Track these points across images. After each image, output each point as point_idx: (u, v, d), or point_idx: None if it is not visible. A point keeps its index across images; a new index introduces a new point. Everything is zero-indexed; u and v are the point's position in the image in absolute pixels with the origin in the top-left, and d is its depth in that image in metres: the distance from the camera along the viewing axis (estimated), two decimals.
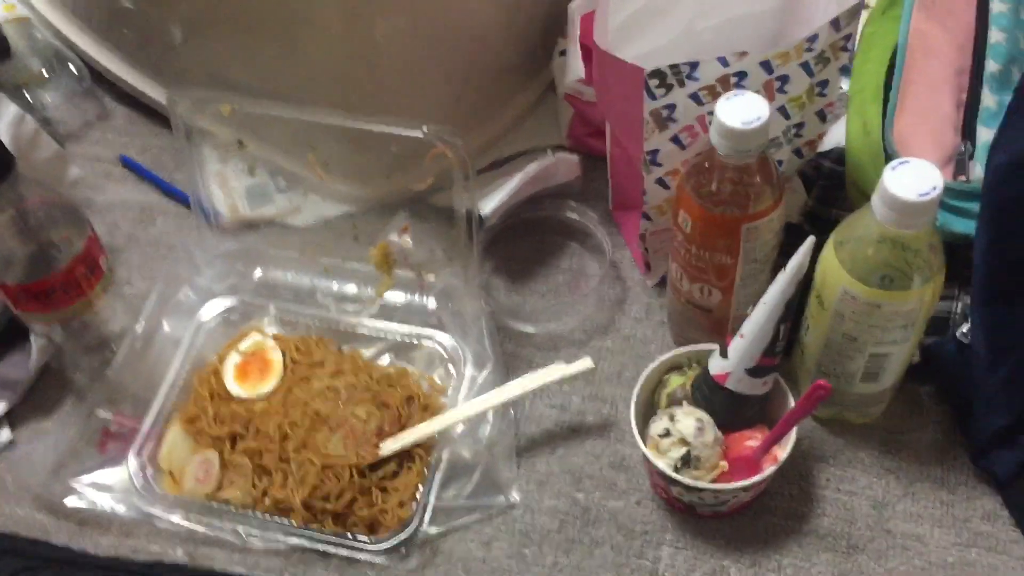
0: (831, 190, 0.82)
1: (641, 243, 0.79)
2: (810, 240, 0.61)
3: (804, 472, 0.71)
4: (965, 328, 0.71)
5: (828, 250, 0.64)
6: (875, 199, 0.59)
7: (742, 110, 0.61)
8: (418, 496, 0.69)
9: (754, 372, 0.65)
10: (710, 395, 0.67)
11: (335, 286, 0.79)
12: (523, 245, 0.86)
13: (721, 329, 0.74)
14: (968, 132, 0.73)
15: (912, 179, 0.57)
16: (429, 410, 0.74)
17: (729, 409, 0.67)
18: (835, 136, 0.83)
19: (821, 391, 0.60)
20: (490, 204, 0.79)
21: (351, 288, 0.79)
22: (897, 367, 0.68)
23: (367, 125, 0.68)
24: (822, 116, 0.74)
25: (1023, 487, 0.68)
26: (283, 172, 0.87)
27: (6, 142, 0.76)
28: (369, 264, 0.78)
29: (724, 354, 0.66)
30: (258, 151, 0.85)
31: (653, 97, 0.64)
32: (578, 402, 0.76)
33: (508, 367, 0.78)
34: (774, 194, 0.65)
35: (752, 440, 0.67)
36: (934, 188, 0.57)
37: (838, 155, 0.83)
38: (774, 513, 0.70)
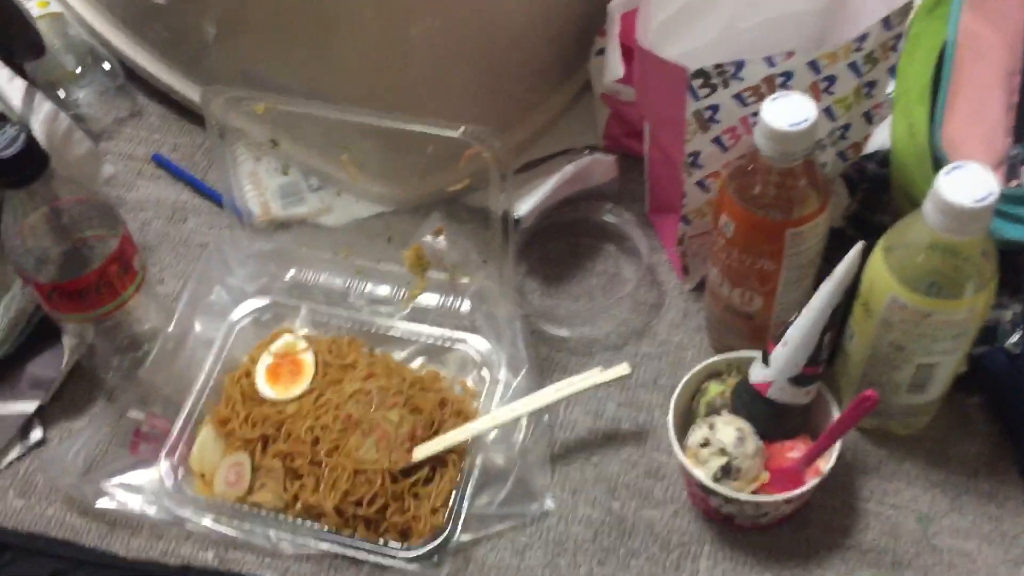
0: (876, 194, 0.80)
1: (679, 247, 0.77)
2: (859, 246, 0.59)
3: (847, 484, 0.69)
4: (1016, 338, 0.69)
5: (876, 256, 0.62)
6: (927, 204, 0.57)
7: (789, 111, 0.59)
8: (451, 503, 0.68)
9: (797, 381, 0.63)
10: (751, 404, 0.66)
11: (368, 287, 0.78)
12: (558, 247, 0.84)
13: (761, 335, 0.72)
14: (1020, 135, 0.71)
15: (966, 184, 0.55)
16: (462, 415, 0.72)
17: (770, 419, 0.65)
18: (880, 138, 0.81)
19: (868, 402, 0.58)
20: (525, 206, 0.77)
21: (384, 290, 0.78)
22: (945, 377, 0.66)
23: (403, 124, 0.67)
24: (868, 118, 0.72)
25: None
26: (316, 171, 0.86)
27: (40, 139, 0.76)
28: (402, 266, 0.77)
29: (766, 362, 0.64)
30: (291, 150, 0.84)
31: (696, 97, 0.63)
32: (613, 409, 0.75)
33: (542, 371, 0.77)
34: (819, 198, 0.64)
35: (794, 451, 0.66)
36: (990, 194, 0.55)
37: (883, 158, 0.81)
38: (815, 526, 0.68)
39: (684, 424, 0.69)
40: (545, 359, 0.77)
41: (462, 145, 0.67)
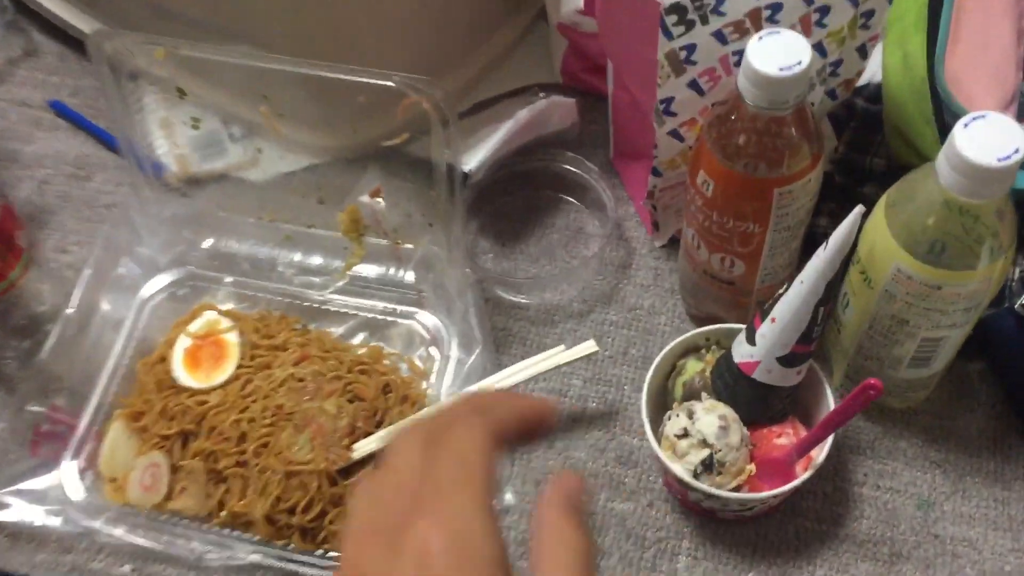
0: (865, 133, 0.72)
1: (649, 200, 0.68)
2: (858, 210, 0.51)
3: (839, 467, 0.63)
4: None
5: (877, 216, 0.54)
6: (941, 161, 0.48)
7: (779, 53, 0.50)
8: None
9: (787, 361, 0.56)
10: (734, 386, 0.58)
11: (298, 256, 0.69)
12: (513, 202, 0.75)
13: (744, 303, 0.64)
14: None
15: (989, 139, 0.47)
16: (409, 401, 0.64)
17: (755, 402, 0.58)
18: (870, 70, 0.72)
19: (871, 391, 0.51)
20: (475, 158, 0.68)
21: (317, 258, 0.69)
22: (951, 351, 0.58)
23: (326, 72, 0.57)
24: (863, 52, 0.62)
25: None
26: (237, 118, 0.75)
27: None
28: (337, 231, 0.67)
29: (751, 340, 0.56)
30: (206, 95, 0.74)
31: (670, 36, 0.53)
32: (579, 386, 0.67)
33: (499, 345, 0.68)
34: (812, 150, 0.55)
35: (783, 437, 0.58)
36: (1016, 151, 0.46)
37: (873, 92, 0.72)
38: (806, 516, 0.61)
39: (659, 407, 0.61)
40: (502, 331, 0.69)
41: (398, 94, 0.57)
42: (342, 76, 0.56)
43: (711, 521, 0.61)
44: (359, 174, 0.66)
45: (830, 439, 0.56)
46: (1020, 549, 0.59)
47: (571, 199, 0.75)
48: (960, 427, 0.64)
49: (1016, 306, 0.62)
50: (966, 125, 0.47)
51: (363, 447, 0.61)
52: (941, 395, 0.65)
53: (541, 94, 0.71)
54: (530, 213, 0.75)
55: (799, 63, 0.50)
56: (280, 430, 0.61)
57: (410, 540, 0.30)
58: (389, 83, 0.56)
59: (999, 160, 0.46)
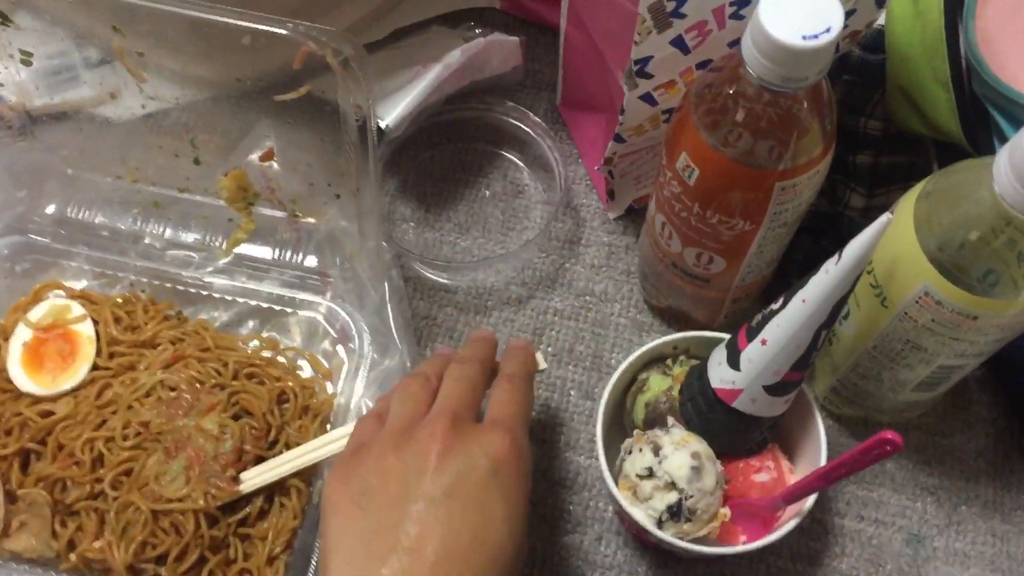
0: (861, 90, 0.60)
1: (605, 167, 0.56)
2: (884, 219, 0.40)
3: (819, 494, 0.53)
4: None
5: (903, 223, 0.43)
6: (1001, 165, 0.38)
7: (801, 15, 0.38)
8: (296, 544, 0.49)
9: (776, 390, 0.46)
10: (708, 413, 0.48)
11: (170, 228, 0.55)
12: (438, 158, 0.62)
13: (716, 305, 0.54)
14: None
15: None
16: (311, 413, 0.52)
17: (734, 433, 0.48)
18: None
19: (888, 447, 0.41)
20: (394, 111, 0.55)
21: (194, 231, 0.55)
22: (963, 376, 0.49)
23: (200, 12, 0.42)
24: (880, 1, 0.51)
25: None
26: (91, 38, 0.60)
27: None
28: (219, 198, 0.54)
29: (735, 363, 0.46)
30: (48, 9, 0.58)
31: None
32: None
33: (420, 337, 0.57)
34: (825, 136, 0.44)
35: (762, 472, 0.49)
36: (827, 28, 0.37)
37: (872, 39, 0.61)
38: (779, 553, 0.52)
39: (612, 422, 0.51)
40: (424, 319, 0.57)
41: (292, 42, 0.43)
42: (219, 18, 0.42)
43: (669, 560, 0.52)
44: (246, 129, 0.52)
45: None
46: None
47: (509, 155, 0.63)
48: (956, 446, 0.55)
49: None
50: None
51: (253, 477, 0.49)
52: (936, 408, 0.56)
53: (478, 30, 0.57)
54: (459, 172, 0.62)
55: (827, 30, 0.38)
56: (146, 454, 0.49)
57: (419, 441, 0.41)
58: (281, 30, 0.42)
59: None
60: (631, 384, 0.52)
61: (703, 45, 0.46)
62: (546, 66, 0.64)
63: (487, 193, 0.61)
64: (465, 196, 0.61)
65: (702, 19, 0.44)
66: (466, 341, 0.51)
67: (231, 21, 0.43)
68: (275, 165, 0.52)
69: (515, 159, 0.62)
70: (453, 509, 0.38)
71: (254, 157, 0.52)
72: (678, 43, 0.45)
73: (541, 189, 0.61)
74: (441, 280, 0.58)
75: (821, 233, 0.58)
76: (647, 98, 0.49)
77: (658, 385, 0.50)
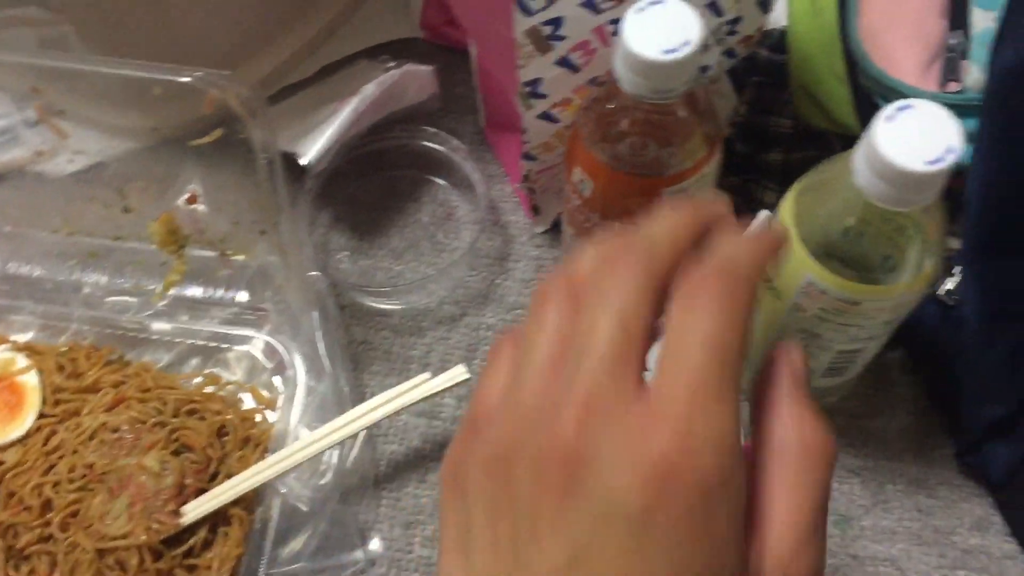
0: (770, 91, 0.63)
1: (525, 183, 0.59)
2: (764, 216, 0.42)
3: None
4: (951, 285, 0.54)
5: (784, 220, 0.45)
6: (859, 161, 0.40)
7: (661, 29, 0.40)
8: (241, 570, 0.51)
9: None
10: None
11: (106, 276, 0.57)
12: (370, 187, 0.65)
13: None
14: (959, 18, 0.54)
15: (916, 135, 0.38)
16: (251, 443, 0.54)
17: None
18: (774, 14, 0.63)
19: None
20: (314, 146, 0.57)
21: (130, 277, 0.58)
22: (869, 357, 0.51)
23: (102, 67, 0.45)
24: (764, 5, 0.53)
25: (1021, 488, 0.54)
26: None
27: None
28: (151, 243, 0.56)
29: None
30: None
31: (529, 11, 0.43)
32: (452, 406, 0.58)
33: (358, 361, 0.59)
34: (708, 140, 0.46)
35: None
36: (949, 151, 0.38)
37: (779, 40, 0.63)
38: None
39: None
40: (362, 343, 0.59)
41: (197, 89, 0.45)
42: (120, 71, 0.44)
43: None
44: (172, 175, 0.54)
45: None
46: (946, 566, 0.53)
47: (438, 179, 0.65)
48: (879, 428, 0.57)
49: (940, 293, 0.55)
50: (889, 119, 0.39)
51: (194, 509, 0.51)
52: (858, 391, 0.58)
53: (391, 63, 0.60)
54: (390, 199, 0.64)
55: (686, 43, 0.40)
56: (92, 495, 0.51)
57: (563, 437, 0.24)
58: (185, 79, 0.44)
59: (928, 164, 0.38)
60: None
61: (592, 63, 0.48)
62: (471, 90, 0.67)
63: (418, 218, 0.64)
64: (397, 222, 0.63)
65: (584, 39, 0.46)
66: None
67: (137, 74, 0.45)
68: (201, 207, 0.54)
69: (443, 182, 0.64)
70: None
71: (181, 201, 0.54)
72: (564, 63, 0.47)
73: (470, 210, 0.64)
74: (377, 305, 0.60)
75: None
76: (546, 116, 0.51)
77: None
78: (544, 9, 0.43)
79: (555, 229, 0.63)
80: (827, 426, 0.27)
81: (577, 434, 0.25)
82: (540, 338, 0.27)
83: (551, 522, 0.25)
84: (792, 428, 0.27)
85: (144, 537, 0.49)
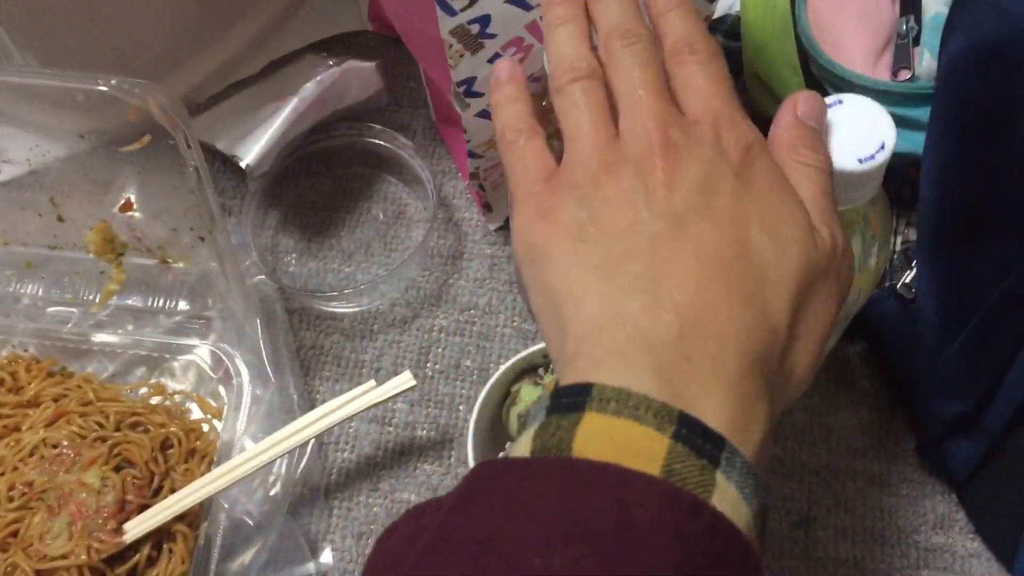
0: None
1: (474, 181, 0.57)
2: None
3: None
4: (909, 278, 0.53)
5: None
6: None
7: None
8: None
9: None
10: None
11: (43, 287, 0.56)
12: (319, 188, 0.63)
13: None
14: (909, 3, 0.52)
15: (848, 132, 0.37)
16: (197, 455, 0.53)
17: None
18: (726, 1, 0.61)
19: None
20: (254, 149, 0.55)
21: (69, 287, 0.56)
22: (826, 353, 0.50)
23: (8, 75, 0.43)
24: None
25: (984, 484, 0.52)
26: None
27: None
28: (88, 252, 0.55)
29: None
30: None
31: (452, 11, 0.41)
32: (404, 411, 0.57)
33: (308, 367, 0.58)
34: None
35: None
36: (881, 146, 0.36)
37: (732, 27, 0.61)
38: None
39: (491, 441, 0.51)
40: (311, 349, 0.58)
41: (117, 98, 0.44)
42: (36, 81, 0.43)
43: None
44: (106, 182, 0.53)
45: None
46: (909, 567, 0.52)
47: (388, 177, 0.63)
48: (841, 424, 0.56)
49: (898, 286, 0.53)
50: None
51: (137, 526, 0.50)
52: (818, 385, 0.56)
53: (331, 61, 0.58)
54: (339, 199, 0.63)
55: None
56: (32, 513, 0.50)
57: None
58: (102, 87, 0.42)
59: (861, 161, 0.36)
60: (506, 397, 0.52)
61: (528, 59, 0.46)
62: (422, 83, 0.65)
63: (368, 217, 0.62)
64: (347, 222, 0.62)
65: (516, 36, 0.45)
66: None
67: (53, 83, 0.44)
68: (138, 214, 0.53)
69: (393, 180, 0.63)
70: (703, 227, 0.30)
71: (116, 209, 0.53)
72: None
73: (421, 208, 0.62)
74: (327, 309, 0.59)
75: None
76: (485, 115, 0.49)
77: (529, 396, 0.51)
78: (467, 8, 0.41)
79: (509, 226, 0.61)
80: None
81: (664, 138, 0.31)
82: (580, 98, 0.34)
83: (666, 186, 0.31)
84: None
85: (85, 557, 0.48)
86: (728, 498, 0.26)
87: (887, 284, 0.54)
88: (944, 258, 0.49)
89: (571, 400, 0.27)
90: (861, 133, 0.36)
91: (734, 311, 0.29)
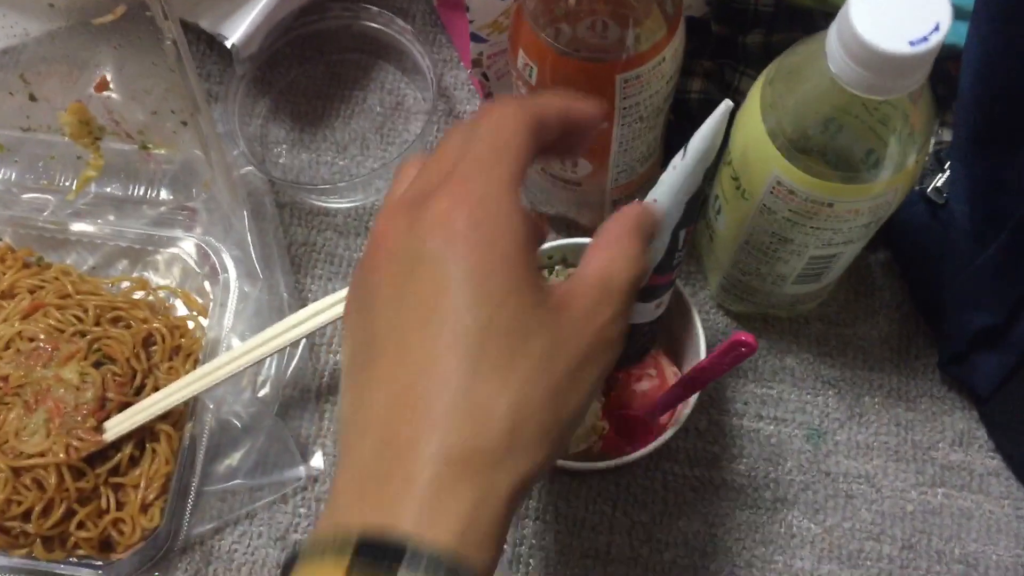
0: None
1: (476, 69, 0.53)
2: (724, 107, 0.37)
3: (715, 395, 0.52)
4: (941, 181, 0.49)
5: (751, 109, 0.40)
6: (832, 43, 0.34)
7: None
8: (170, 490, 0.48)
9: (643, 295, 0.43)
10: None
11: (15, 170, 0.53)
12: (312, 75, 0.59)
13: (596, 206, 0.51)
14: None
15: (897, 10, 0.33)
16: (182, 353, 0.51)
17: None
18: None
19: (743, 349, 0.39)
20: (241, 27, 0.51)
21: (45, 172, 0.53)
22: (846, 263, 0.47)
23: None
24: None
25: (1008, 400, 0.50)
26: None
27: None
28: (63, 134, 0.51)
29: None
30: None
31: None
32: None
33: (300, 264, 0.55)
34: (668, 19, 0.40)
35: (643, 381, 0.47)
36: (936, 28, 0.33)
37: None
38: (675, 459, 0.51)
39: None
40: (303, 245, 0.55)
41: None
42: None
43: (562, 475, 0.50)
44: (82, 60, 0.49)
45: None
46: (924, 483, 0.50)
47: (386, 64, 0.59)
48: (859, 335, 0.53)
49: (929, 190, 0.50)
50: None
51: (117, 425, 0.48)
52: (837, 296, 0.53)
53: None
54: (333, 87, 0.59)
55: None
56: (7, 409, 0.48)
57: (433, 213, 0.29)
58: None
59: (912, 44, 0.32)
60: None
61: None
62: None
63: (364, 107, 0.58)
64: (341, 112, 0.58)
65: None
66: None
67: None
68: (115, 95, 0.49)
69: (391, 68, 0.59)
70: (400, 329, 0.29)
71: (91, 89, 0.49)
72: None
73: (421, 99, 0.58)
74: (320, 203, 0.56)
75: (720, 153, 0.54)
76: None
77: None
78: None
79: None
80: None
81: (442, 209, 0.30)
82: (435, 156, 0.32)
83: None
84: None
85: (63, 455, 0.46)
86: None
87: (916, 187, 0.51)
88: (980, 162, 0.46)
89: (382, 557, 0.27)
90: (913, 12, 0.32)
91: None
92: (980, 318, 0.49)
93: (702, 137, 0.37)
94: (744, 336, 0.38)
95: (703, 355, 0.46)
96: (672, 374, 0.48)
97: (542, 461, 0.29)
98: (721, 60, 0.55)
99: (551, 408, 0.29)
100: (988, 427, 0.51)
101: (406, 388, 0.28)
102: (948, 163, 0.49)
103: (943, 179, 0.49)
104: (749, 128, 0.40)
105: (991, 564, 0.48)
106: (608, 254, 0.32)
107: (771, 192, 0.40)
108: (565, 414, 0.30)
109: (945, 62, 0.50)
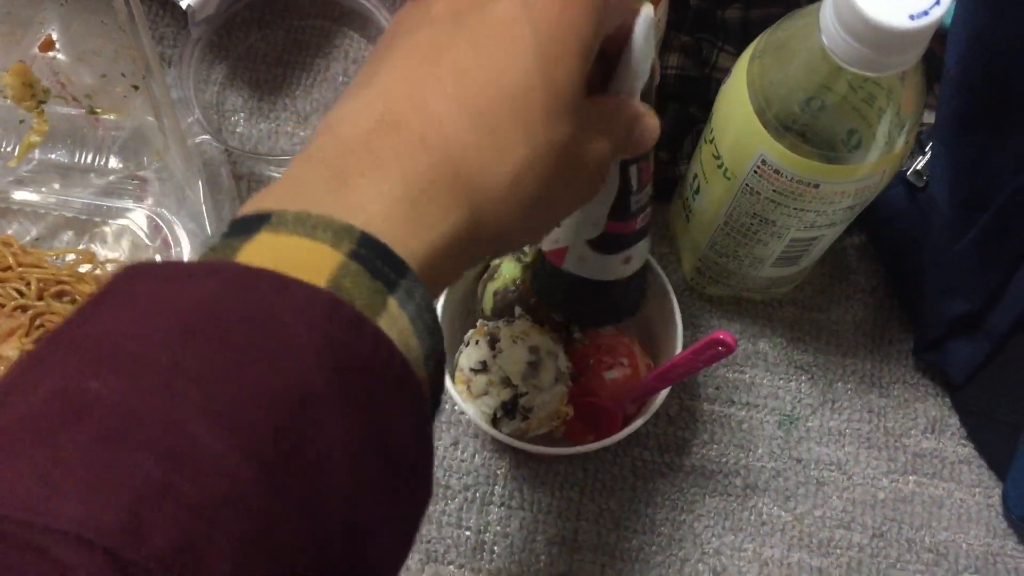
0: None
1: None
2: (646, 13, 0.33)
3: (686, 381, 0.50)
4: (921, 164, 0.48)
5: (736, 84, 0.38)
6: (827, 16, 0.33)
7: None
8: None
9: (602, 246, 0.40)
10: (549, 284, 0.43)
11: None
12: (272, 40, 0.56)
13: None
14: None
15: None
16: None
17: (575, 301, 0.43)
18: None
19: (721, 349, 0.37)
20: None
21: None
22: (826, 246, 0.45)
23: None
24: None
25: (982, 387, 0.49)
26: None
27: None
28: (5, 98, 0.48)
29: None
30: None
31: None
32: None
33: None
34: None
35: (614, 369, 0.45)
36: (937, 1, 0.31)
37: None
38: (644, 445, 0.49)
39: (462, 316, 0.47)
40: None
41: None
42: None
43: (529, 460, 0.49)
44: (23, 19, 0.46)
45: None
46: (895, 471, 0.49)
47: (350, 31, 0.57)
48: (833, 320, 0.52)
49: (908, 172, 0.49)
50: None
51: None
52: (811, 279, 0.52)
53: None
54: (295, 53, 0.56)
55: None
56: None
57: None
58: None
59: (912, 18, 0.31)
60: (485, 271, 0.47)
61: None
62: None
63: (326, 76, 0.56)
64: (302, 80, 0.56)
65: None
66: None
67: None
68: (61, 56, 0.46)
69: (355, 36, 0.56)
70: (459, 36, 0.29)
71: (35, 49, 0.46)
72: None
73: None
74: (278, 175, 0.53)
75: (689, 99, 0.53)
76: None
77: (509, 272, 0.46)
78: None
79: None
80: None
81: None
82: None
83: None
84: None
85: None
86: (398, 327, 0.24)
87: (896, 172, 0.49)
88: (963, 144, 0.45)
89: (246, 224, 0.25)
90: None
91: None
92: (957, 304, 0.48)
93: (629, 49, 0.33)
94: (723, 335, 0.37)
95: (679, 345, 0.45)
96: (645, 366, 0.46)
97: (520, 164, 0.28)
98: (699, 35, 0.53)
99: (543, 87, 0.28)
100: (961, 414, 0.50)
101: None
102: (929, 145, 0.48)
103: (923, 161, 0.48)
104: (734, 105, 0.38)
105: (961, 552, 0.48)
106: None
107: (755, 171, 0.38)
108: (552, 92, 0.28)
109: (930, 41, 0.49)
